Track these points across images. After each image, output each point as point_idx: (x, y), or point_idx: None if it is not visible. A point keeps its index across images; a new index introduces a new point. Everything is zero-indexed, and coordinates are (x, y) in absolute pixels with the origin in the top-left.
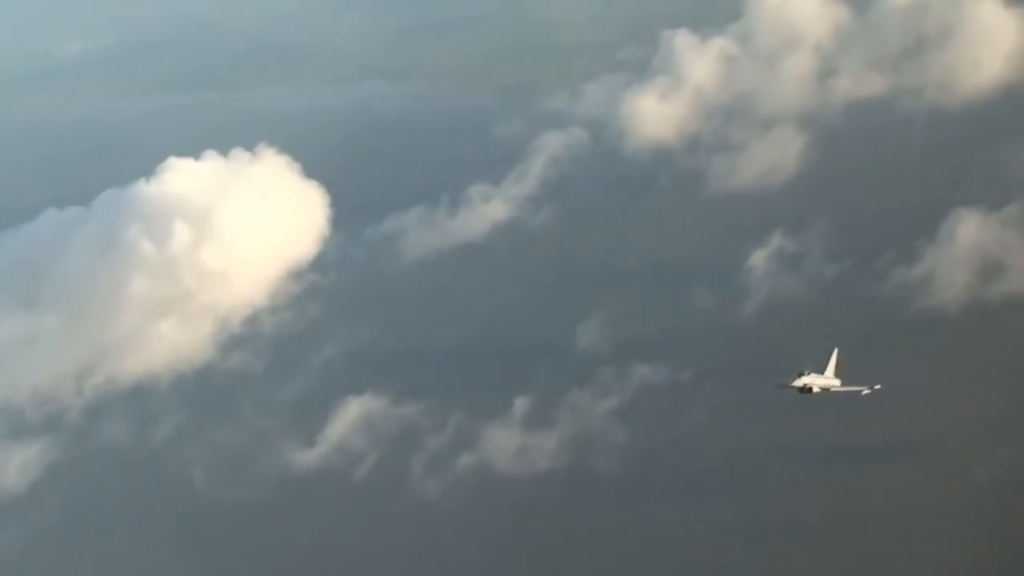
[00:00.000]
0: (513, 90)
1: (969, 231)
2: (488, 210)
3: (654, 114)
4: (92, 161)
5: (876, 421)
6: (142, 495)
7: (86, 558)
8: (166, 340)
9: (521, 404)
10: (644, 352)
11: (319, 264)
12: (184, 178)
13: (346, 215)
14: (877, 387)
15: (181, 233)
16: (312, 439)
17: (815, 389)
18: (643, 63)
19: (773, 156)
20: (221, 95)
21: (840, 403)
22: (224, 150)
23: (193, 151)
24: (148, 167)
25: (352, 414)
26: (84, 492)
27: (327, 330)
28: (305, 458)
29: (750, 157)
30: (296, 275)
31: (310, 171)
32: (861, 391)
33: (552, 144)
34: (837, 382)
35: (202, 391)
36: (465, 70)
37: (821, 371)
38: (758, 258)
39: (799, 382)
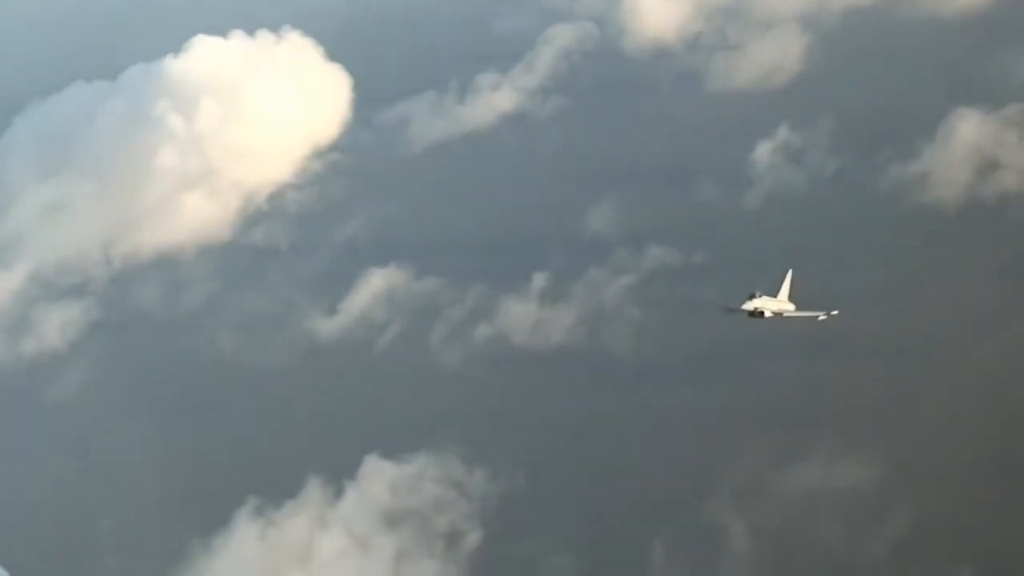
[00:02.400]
0: None
1: (968, 130)
2: (496, 99)
3: (655, 12)
4: (117, 37)
5: (872, 316)
6: (172, 357)
7: (120, 414)
8: (192, 213)
9: (538, 280)
10: (654, 237)
11: (341, 145)
12: (211, 56)
13: (362, 99)
14: (834, 313)
15: (208, 109)
16: (334, 309)
17: (767, 313)
18: None
19: (773, 57)
20: None
21: (841, 298)
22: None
23: (219, 31)
24: (175, 44)
25: (375, 286)
26: (117, 353)
27: (349, 208)
28: (328, 327)
29: (750, 57)
30: (320, 154)
31: (333, 54)
32: (817, 316)
33: (561, 36)
34: (791, 306)
35: (227, 263)
36: None
37: (773, 293)
38: (763, 151)
39: (749, 305)
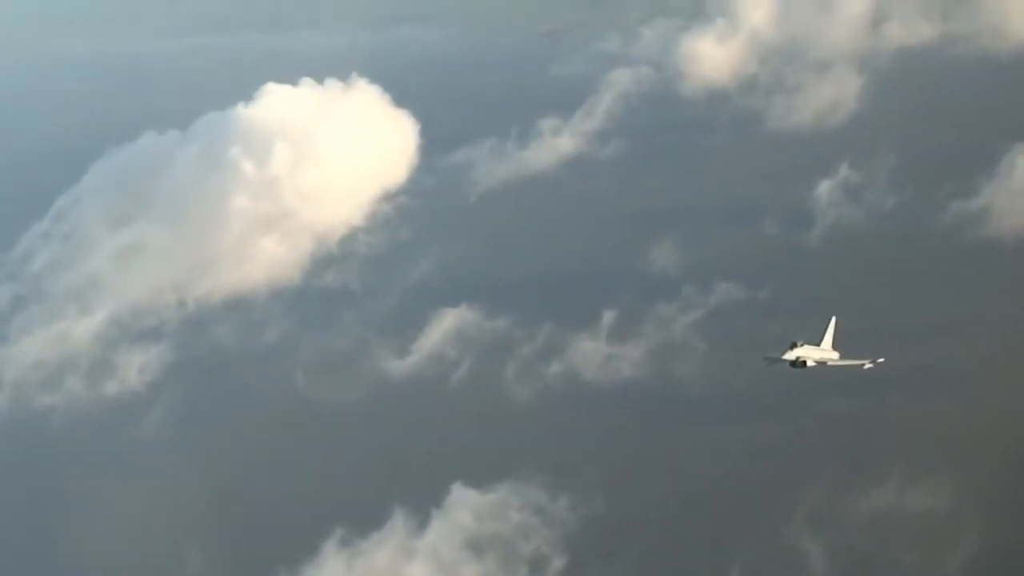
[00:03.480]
0: (558, 35)
1: None
2: (558, 143)
3: (711, 56)
4: (187, 88)
5: (936, 349)
6: (249, 396)
7: (202, 451)
8: (265, 256)
9: (608, 317)
10: (719, 274)
11: (409, 188)
12: (282, 104)
13: (429, 144)
14: (880, 360)
15: (281, 154)
16: (407, 349)
17: (809, 363)
18: (696, 8)
19: (829, 97)
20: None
21: (899, 332)
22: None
23: (288, 80)
24: (245, 93)
25: (446, 325)
26: (196, 392)
27: (418, 250)
28: (401, 366)
29: (806, 98)
30: (388, 198)
31: (400, 101)
32: (862, 365)
33: (620, 81)
34: (835, 355)
35: (300, 305)
36: (495, 15)
37: (817, 342)
38: (824, 189)
39: (791, 355)
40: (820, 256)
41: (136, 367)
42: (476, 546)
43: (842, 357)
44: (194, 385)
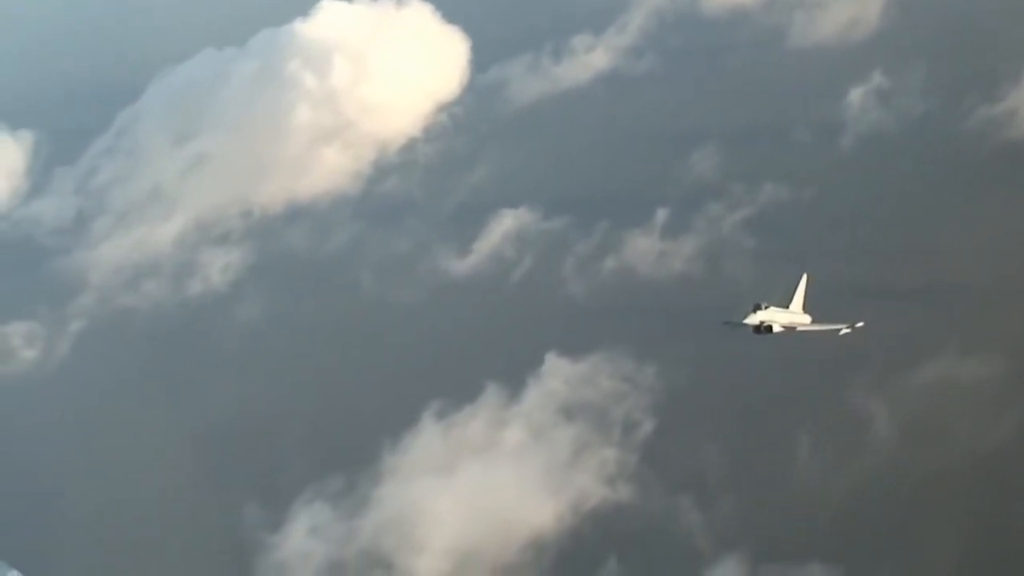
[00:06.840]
0: None
1: None
2: (592, 59)
3: None
4: (241, 5)
5: (959, 255)
6: (322, 294)
7: (291, 342)
8: (328, 166)
9: (661, 215)
10: (764, 175)
11: (462, 100)
12: (338, 19)
13: (479, 58)
14: (859, 325)
15: (341, 67)
16: (467, 249)
17: (775, 328)
18: None
19: (852, 12)
20: None
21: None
22: None
23: None
24: (300, 10)
25: (506, 226)
26: (274, 292)
27: (475, 158)
28: (462, 266)
29: (829, 14)
30: (443, 109)
31: (451, 17)
32: (838, 330)
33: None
34: (806, 319)
35: (364, 211)
36: None
37: (785, 303)
38: (856, 95)
39: (754, 319)
40: (853, 161)
41: (219, 267)
42: (569, 412)
43: (813, 322)
44: (273, 285)
